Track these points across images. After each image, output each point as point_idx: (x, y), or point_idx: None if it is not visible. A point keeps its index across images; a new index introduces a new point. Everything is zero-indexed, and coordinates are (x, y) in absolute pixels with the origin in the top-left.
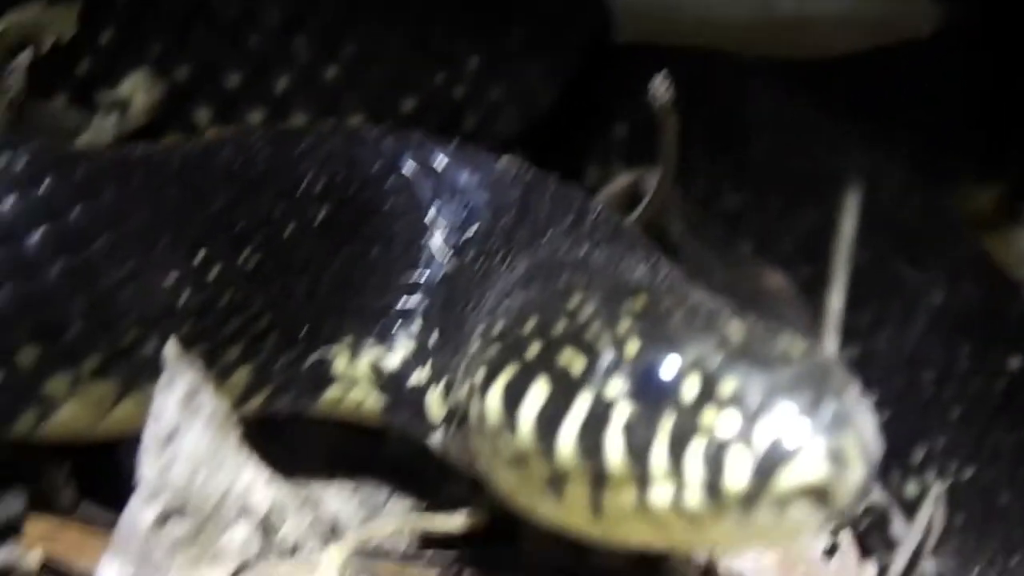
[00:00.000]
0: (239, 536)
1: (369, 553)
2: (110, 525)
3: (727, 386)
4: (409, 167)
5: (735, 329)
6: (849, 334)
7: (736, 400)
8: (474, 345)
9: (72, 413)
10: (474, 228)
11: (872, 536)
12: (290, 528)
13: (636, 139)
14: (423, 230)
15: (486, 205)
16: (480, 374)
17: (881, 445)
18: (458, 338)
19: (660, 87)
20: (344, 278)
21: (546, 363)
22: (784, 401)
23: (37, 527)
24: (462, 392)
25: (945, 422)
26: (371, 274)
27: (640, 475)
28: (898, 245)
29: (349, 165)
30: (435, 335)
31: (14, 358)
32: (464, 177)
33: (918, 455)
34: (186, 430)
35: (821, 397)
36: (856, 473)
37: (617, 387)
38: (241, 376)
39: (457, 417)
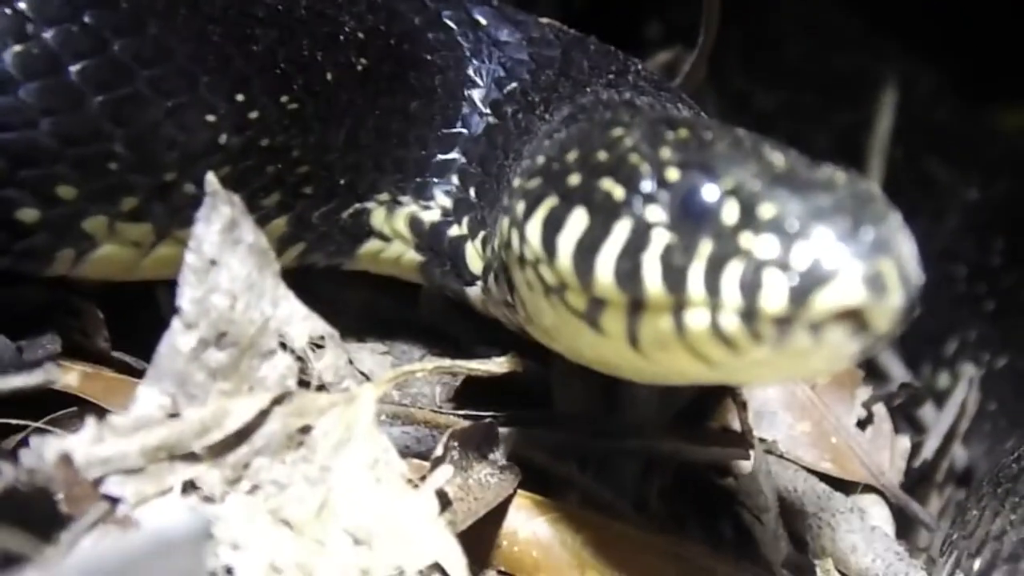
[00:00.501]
0: (278, 367)
1: (405, 404)
2: (143, 371)
3: (766, 210)
4: (451, 22)
5: (777, 158)
6: None
7: (774, 224)
8: (515, 183)
9: (111, 253)
10: (514, 84)
11: (900, 419)
12: (327, 364)
13: (669, 38)
14: (463, 85)
15: (527, 61)
16: (520, 206)
17: (921, 274)
18: (496, 192)
19: None
20: (383, 130)
21: (586, 192)
22: (822, 225)
23: (72, 369)
24: (502, 233)
25: (978, 315)
26: (410, 127)
27: (677, 300)
28: (932, 143)
29: (391, 16)
30: (473, 190)
31: (54, 192)
32: (505, 34)
33: (950, 347)
34: (225, 261)
35: (860, 222)
36: (894, 298)
37: (656, 213)
38: (279, 225)
39: (494, 269)
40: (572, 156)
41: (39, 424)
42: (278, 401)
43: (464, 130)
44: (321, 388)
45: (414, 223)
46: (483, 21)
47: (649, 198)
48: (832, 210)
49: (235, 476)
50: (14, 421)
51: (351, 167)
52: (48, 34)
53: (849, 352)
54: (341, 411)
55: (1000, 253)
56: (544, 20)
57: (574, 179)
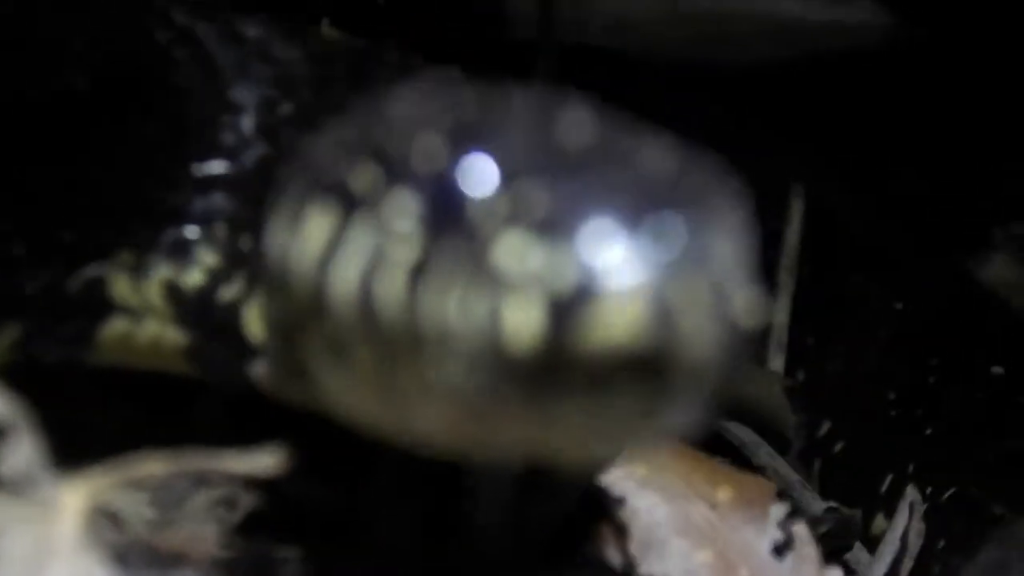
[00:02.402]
0: None
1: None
2: None
3: (532, 201)
4: (208, 36)
5: (581, 126)
6: (797, 352)
7: (536, 221)
8: None
9: None
10: (292, 105)
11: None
12: (17, 458)
13: None
14: (226, 110)
15: (308, 78)
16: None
17: (752, 293)
18: None
19: None
20: (117, 171)
21: (331, 179)
22: (597, 217)
23: None
24: None
25: (916, 443)
26: (155, 167)
27: (415, 335)
28: (850, 254)
29: (124, 28)
30: (246, 238)
31: None
32: (278, 49)
33: (885, 483)
34: None
35: (657, 213)
36: (699, 329)
37: (405, 207)
38: None
39: None
40: (329, 137)
41: None
42: None
43: (230, 165)
44: (11, 487)
45: (171, 291)
46: (250, 35)
47: (401, 184)
48: (623, 197)
49: None
50: None
51: (75, 221)
52: None
53: (648, 415)
54: (34, 524)
55: (939, 370)
56: (329, 29)
57: (322, 161)
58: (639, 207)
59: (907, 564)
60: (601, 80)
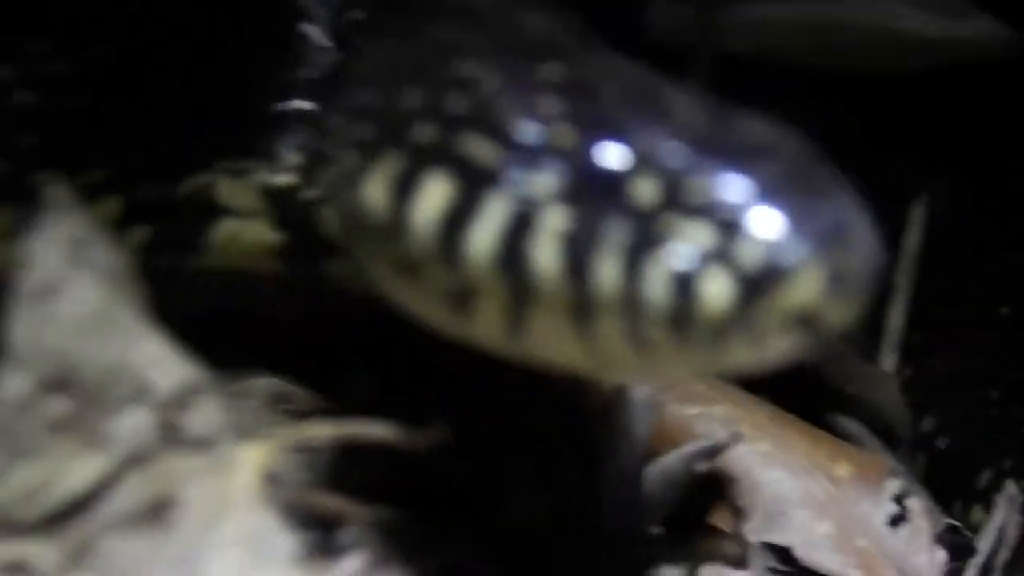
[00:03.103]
0: (131, 421)
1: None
2: None
3: (694, 186)
4: None
5: (687, 108)
6: (906, 350)
7: (709, 205)
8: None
9: None
10: (361, 9)
11: None
12: (201, 418)
13: None
14: (297, 16)
15: None
16: (351, 158)
17: (878, 256)
18: None
19: None
20: (212, 84)
21: (442, 151)
22: (772, 206)
23: None
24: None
25: (1015, 440)
26: (242, 76)
27: (582, 297)
28: (961, 260)
29: None
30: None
31: None
32: None
33: (984, 478)
34: (71, 286)
35: (816, 199)
36: (856, 293)
37: (545, 184)
38: (111, 206)
39: None
40: (412, 97)
41: None
42: (132, 462)
43: (309, 71)
44: (193, 446)
45: (267, 191)
46: None
47: (532, 162)
48: (777, 184)
49: (75, 556)
50: None
51: (183, 131)
52: None
53: (792, 354)
54: (214, 478)
55: None
56: None
57: (423, 133)
58: (802, 191)
59: (1003, 555)
60: (736, 83)
